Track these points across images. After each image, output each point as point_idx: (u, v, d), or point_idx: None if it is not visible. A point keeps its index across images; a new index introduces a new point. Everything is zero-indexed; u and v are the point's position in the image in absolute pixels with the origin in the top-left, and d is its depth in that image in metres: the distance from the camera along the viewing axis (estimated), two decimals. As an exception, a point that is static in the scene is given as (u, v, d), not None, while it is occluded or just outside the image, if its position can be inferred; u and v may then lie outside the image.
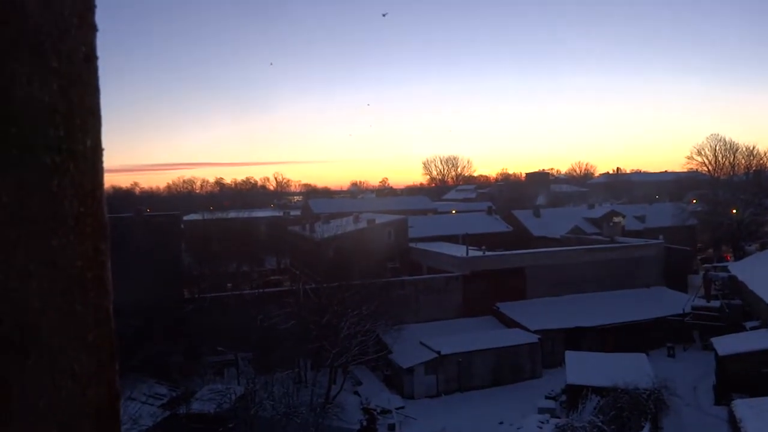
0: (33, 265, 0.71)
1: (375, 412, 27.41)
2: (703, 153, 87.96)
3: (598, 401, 24.51)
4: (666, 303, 38.33)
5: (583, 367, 27.46)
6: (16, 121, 0.69)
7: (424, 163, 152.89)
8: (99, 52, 0.79)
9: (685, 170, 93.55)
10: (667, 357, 34.17)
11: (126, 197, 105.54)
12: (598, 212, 63.02)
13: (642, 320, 35.75)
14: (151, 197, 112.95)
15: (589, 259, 41.41)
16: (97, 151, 0.80)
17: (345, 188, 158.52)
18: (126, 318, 27.37)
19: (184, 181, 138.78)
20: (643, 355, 29.06)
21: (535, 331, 33.71)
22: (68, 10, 0.75)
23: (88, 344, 0.78)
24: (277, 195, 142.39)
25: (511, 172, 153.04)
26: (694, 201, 69.34)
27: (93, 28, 0.79)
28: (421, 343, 32.32)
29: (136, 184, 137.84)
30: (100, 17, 0.78)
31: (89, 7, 0.79)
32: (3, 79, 0.68)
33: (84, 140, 0.77)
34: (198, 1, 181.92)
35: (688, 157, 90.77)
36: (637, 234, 54.40)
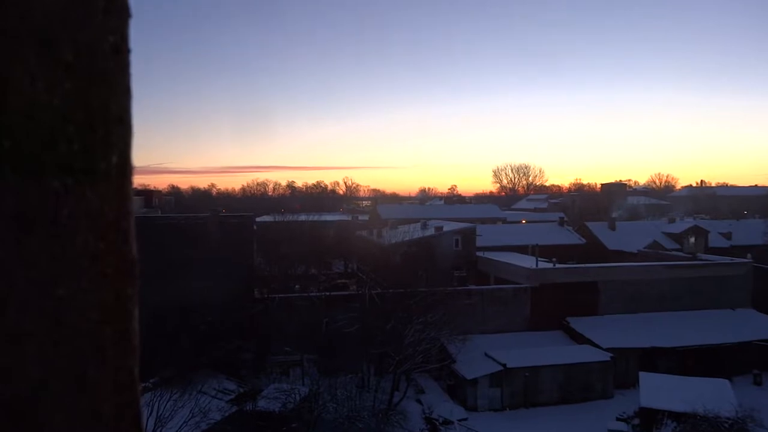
0: (31, 323, 0.55)
1: (437, 422, 27.10)
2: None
3: (675, 427, 23.17)
4: (754, 326, 35.79)
5: (659, 390, 26.07)
6: (12, 134, 0.53)
7: (494, 171, 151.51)
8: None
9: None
10: (752, 384, 31.93)
11: (204, 198, 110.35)
12: (679, 227, 59.82)
13: (726, 344, 33.53)
14: (226, 198, 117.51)
15: (668, 276, 39.33)
16: (125, 169, 0.62)
17: (413, 194, 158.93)
18: (200, 314, 28.57)
19: (257, 184, 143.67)
20: (726, 381, 27.24)
21: (607, 349, 32.32)
22: None
23: (103, 418, 0.61)
24: (347, 199, 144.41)
25: (585, 182, 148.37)
26: (788, 218, 64.48)
27: (125, 13, 0.62)
28: (486, 354, 31.73)
29: (213, 185, 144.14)
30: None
31: None
32: None
33: (108, 156, 0.60)
34: (283, 8, 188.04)
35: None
36: (722, 252, 51.16)
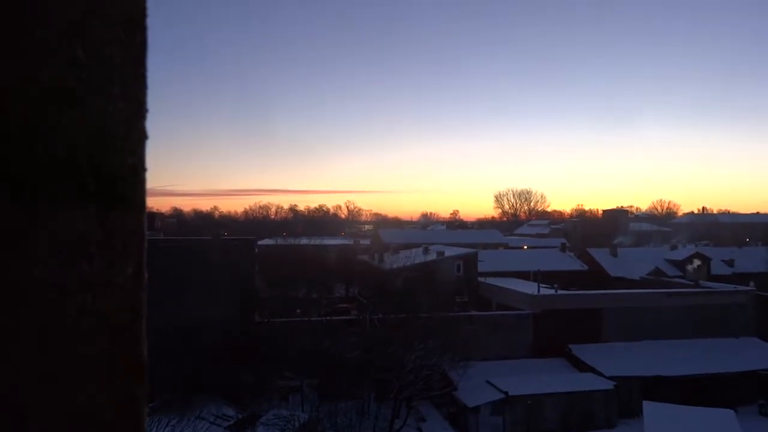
0: (52, 428, 0.57)
1: (438, 450, 26.69)
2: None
3: (680, 458, 22.78)
4: (758, 355, 35.43)
5: (663, 420, 25.66)
6: (37, 259, 0.56)
7: (496, 197, 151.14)
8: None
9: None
10: (758, 415, 31.49)
11: (206, 220, 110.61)
12: (682, 254, 59.71)
13: (730, 372, 33.16)
14: (229, 221, 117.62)
15: (670, 303, 39.10)
16: (138, 278, 0.66)
17: (415, 219, 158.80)
18: (201, 337, 28.43)
19: (260, 207, 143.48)
20: (731, 411, 26.84)
21: (611, 377, 31.98)
22: (117, 118, 0.62)
23: None
24: (348, 223, 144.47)
25: (587, 208, 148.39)
26: (791, 246, 64.35)
27: (143, 136, 0.67)
28: (487, 381, 31.39)
29: (215, 208, 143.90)
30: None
31: (139, 114, 0.65)
32: (17, 210, 0.55)
33: (124, 268, 0.64)
34: (290, 33, 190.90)
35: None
36: (724, 279, 50.90)
